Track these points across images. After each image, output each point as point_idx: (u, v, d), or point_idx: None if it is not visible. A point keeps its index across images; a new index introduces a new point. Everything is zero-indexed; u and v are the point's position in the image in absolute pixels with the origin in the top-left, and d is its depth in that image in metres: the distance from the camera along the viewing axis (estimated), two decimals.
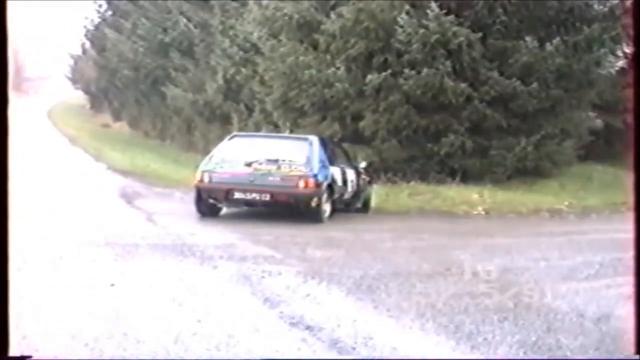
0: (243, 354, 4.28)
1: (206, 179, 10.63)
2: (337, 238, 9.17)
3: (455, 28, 14.31)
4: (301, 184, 10.34)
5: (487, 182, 14.56)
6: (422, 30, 14.28)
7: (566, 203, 13.80)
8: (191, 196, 10.99)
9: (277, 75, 15.93)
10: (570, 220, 12.62)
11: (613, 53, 16.03)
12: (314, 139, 11.13)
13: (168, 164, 19.76)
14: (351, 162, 12.47)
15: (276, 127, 16.75)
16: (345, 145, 13.85)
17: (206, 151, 12.35)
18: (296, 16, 15.65)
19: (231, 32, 20.58)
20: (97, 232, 8.70)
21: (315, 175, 10.43)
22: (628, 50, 16.39)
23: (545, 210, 13.24)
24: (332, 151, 11.66)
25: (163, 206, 11.87)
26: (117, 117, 38.06)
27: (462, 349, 4.53)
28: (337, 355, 4.35)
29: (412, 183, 14.30)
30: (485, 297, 5.87)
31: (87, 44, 41.46)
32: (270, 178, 10.39)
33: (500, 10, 14.75)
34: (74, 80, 51.00)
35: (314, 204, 10.34)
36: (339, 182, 11.25)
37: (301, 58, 15.36)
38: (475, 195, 13.56)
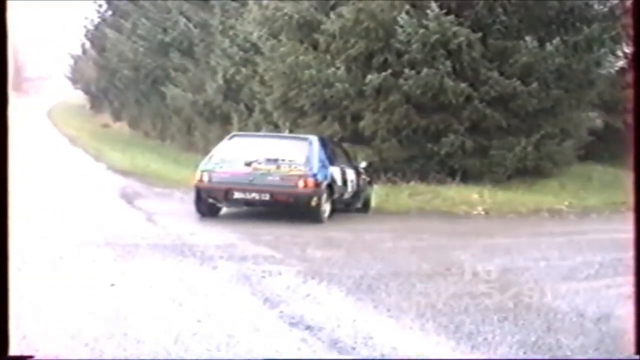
0: (243, 354, 4.27)
1: (205, 179, 10.63)
2: (337, 238, 9.16)
3: (455, 28, 14.31)
4: (300, 183, 10.33)
5: (487, 182, 14.57)
6: (422, 30, 14.28)
7: (566, 203, 13.81)
8: (191, 196, 10.98)
9: (277, 75, 15.93)
10: (570, 220, 12.63)
11: (613, 53, 16.03)
12: (314, 139, 11.13)
13: (168, 164, 19.76)
14: (351, 162, 12.46)
15: (276, 127, 16.75)
16: (345, 145, 13.84)
17: (206, 151, 12.36)
18: (296, 16, 15.66)
19: (231, 32, 20.59)
20: (97, 232, 8.70)
21: (314, 175, 10.42)
22: (628, 50, 16.40)
23: (545, 210, 13.25)
24: (332, 151, 11.65)
25: (163, 206, 11.86)
26: (117, 117, 38.06)
27: (462, 349, 4.53)
28: (337, 355, 4.35)
29: (412, 183, 14.30)
30: (485, 297, 5.87)
31: (87, 44, 41.48)
32: (270, 178, 10.39)
33: (500, 10, 14.75)
34: (74, 80, 51.01)
35: (313, 203, 10.33)
36: (339, 182, 11.24)
37: (301, 58, 15.36)
38: (475, 195, 13.56)
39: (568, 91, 15.24)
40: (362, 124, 15.11)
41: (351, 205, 12.06)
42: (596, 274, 7.08)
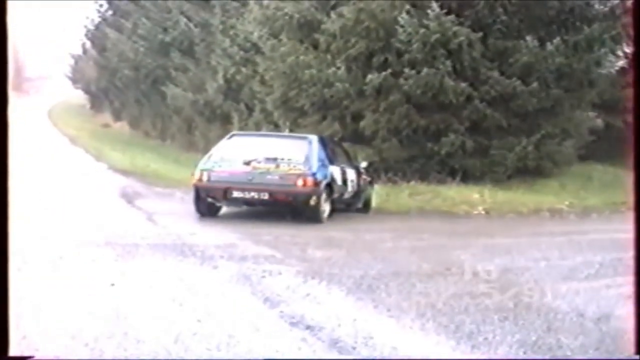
0: (243, 354, 4.27)
1: (205, 178, 10.61)
2: (338, 238, 9.16)
3: (455, 28, 14.31)
4: (299, 182, 10.31)
5: (488, 181, 14.56)
6: (422, 30, 14.28)
7: (566, 203, 13.81)
8: (191, 196, 10.98)
9: (278, 74, 15.93)
10: (570, 220, 12.63)
11: (613, 53, 16.03)
12: (313, 138, 11.11)
13: (168, 163, 19.76)
14: (352, 162, 12.44)
15: (276, 127, 16.74)
16: (345, 145, 13.83)
17: (206, 151, 12.35)
18: (297, 16, 15.66)
19: (232, 32, 20.59)
20: (97, 232, 8.70)
21: (313, 174, 10.40)
22: (628, 50, 16.39)
23: (545, 210, 13.24)
24: (332, 150, 11.63)
25: (163, 206, 11.85)
26: (117, 117, 38.07)
27: (463, 348, 4.53)
28: (337, 355, 4.35)
29: (413, 183, 14.29)
30: (486, 297, 5.87)
31: (88, 44, 41.46)
32: (269, 177, 10.37)
33: (500, 10, 14.75)
34: (75, 80, 51.00)
35: (312, 202, 10.30)
36: (339, 182, 11.22)
37: (301, 58, 15.36)
38: (476, 195, 13.56)
39: (568, 91, 15.24)
40: (362, 123, 15.11)
41: (351, 205, 12.03)
42: (596, 274, 7.08)
